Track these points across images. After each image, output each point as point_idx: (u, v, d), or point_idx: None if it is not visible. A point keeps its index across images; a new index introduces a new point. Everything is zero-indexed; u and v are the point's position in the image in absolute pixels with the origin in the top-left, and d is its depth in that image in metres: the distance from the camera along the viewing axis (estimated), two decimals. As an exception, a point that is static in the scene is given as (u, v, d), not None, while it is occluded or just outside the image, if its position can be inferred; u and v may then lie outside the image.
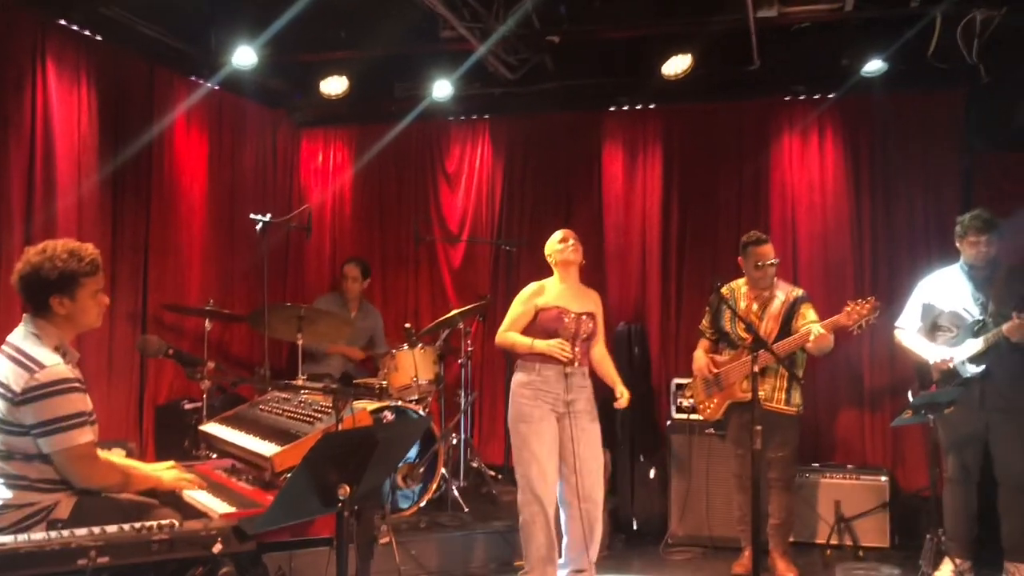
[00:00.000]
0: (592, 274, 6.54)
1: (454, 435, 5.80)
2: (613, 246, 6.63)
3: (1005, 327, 4.51)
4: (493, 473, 6.13)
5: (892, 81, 5.84)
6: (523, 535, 4.35)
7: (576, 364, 4.39)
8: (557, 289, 4.51)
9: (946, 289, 4.86)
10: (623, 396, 4.55)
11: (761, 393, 4.78)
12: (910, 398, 4.77)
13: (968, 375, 4.65)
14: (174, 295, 5.96)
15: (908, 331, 4.96)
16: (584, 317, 4.46)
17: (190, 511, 3.02)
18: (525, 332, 4.44)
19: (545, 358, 4.35)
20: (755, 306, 5.01)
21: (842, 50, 5.78)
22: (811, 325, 4.76)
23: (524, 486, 4.32)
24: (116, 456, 3.46)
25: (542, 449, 4.31)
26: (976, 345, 4.65)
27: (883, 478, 5.43)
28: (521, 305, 4.48)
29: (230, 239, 6.56)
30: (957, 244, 4.84)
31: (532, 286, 4.53)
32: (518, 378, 4.42)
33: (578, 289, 4.58)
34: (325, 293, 6.84)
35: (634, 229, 6.61)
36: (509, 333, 4.45)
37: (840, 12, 5.19)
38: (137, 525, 2.67)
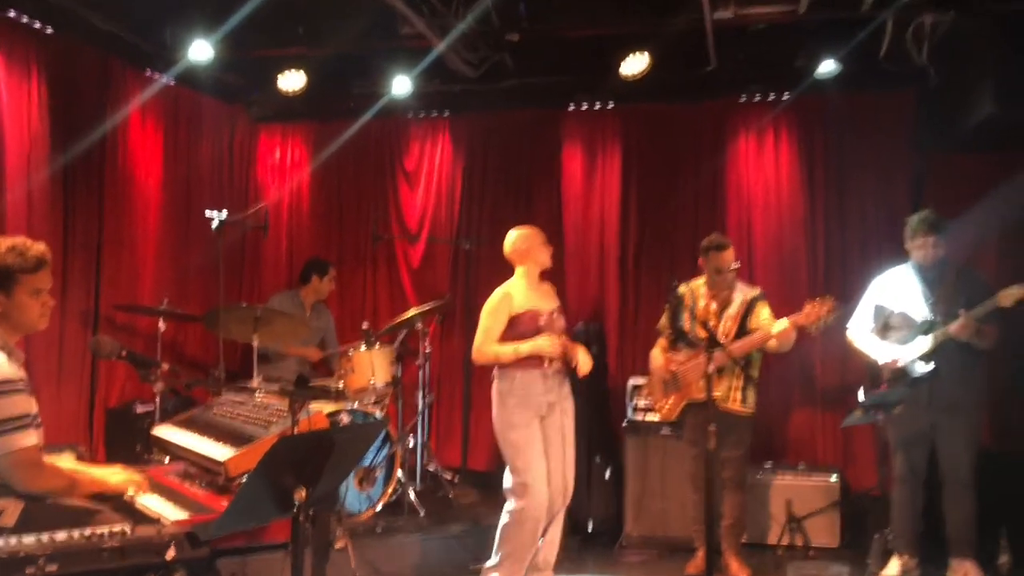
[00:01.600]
0: (551, 273, 6.55)
1: (411, 437, 5.78)
2: (572, 245, 6.67)
3: (951, 327, 4.62)
4: (450, 476, 6.13)
5: (845, 82, 5.94)
6: (507, 532, 4.27)
7: (556, 362, 4.37)
8: (524, 291, 4.45)
9: (897, 289, 4.95)
10: (584, 363, 4.46)
11: (718, 393, 4.84)
12: (860, 398, 4.87)
13: (917, 374, 4.74)
14: (127, 294, 5.87)
15: (860, 331, 5.05)
16: (555, 314, 4.46)
17: (142, 517, 2.98)
18: (500, 341, 4.37)
19: (524, 364, 4.30)
20: (714, 306, 5.05)
21: (796, 52, 5.86)
22: (775, 322, 4.78)
23: (521, 491, 4.24)
24: (65, 460, 3.40)
25: (535, 453, 4.28)
26: (925, 343, 4.75)
27: (833, 478, 5.50)
28: (494, 316, 4.36)
29: (185, 236, 6.48)
30: (906, 245, 4.94)
31: (499, 294, 4.43)
32: (501, 387, 4.35)
33: (540, 287, 4.57)
34: (280, 291, 6.76)
35: (593, 228, 6.65)
36: (490, 347, 4.33)
37: (794, 14, 5.25)
38: (87, 532, 2.63)
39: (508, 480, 4.33)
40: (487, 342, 4.34)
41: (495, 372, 4.40)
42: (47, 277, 3.03)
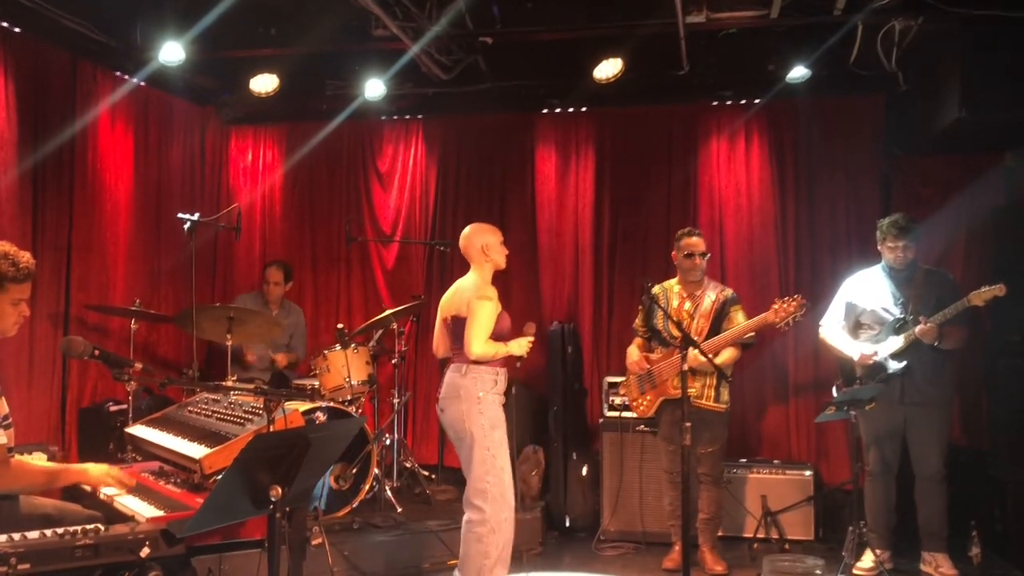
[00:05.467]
0: (525, 274, 6.63)
1: (387, 435, 5.78)
2: (546, 246, 6.69)
3: (916, 330, 4.71)
4: (426, 473, 6.12)
5: (815, 87, 6.01)
6: (482, 544, 4.10)
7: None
8: (493, 289, 4.33)
9: (868, 288, 5.03)
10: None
11: (692, 391, 4.89)
12: (834, 394, 4.94)
13: (890, 371, 4.82)
14: (98, 295, 5.81)
15: (832, 328, 5.11)
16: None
17: (116, 515, 2.95)
18: None
19: (503, 362, 4.25)
20: (688, 304, 5.11)
21: (768, 56, 5.91)
22: (735, 325, 4.86)
23: (498, 495, 4.11)
24: (37, 459, 3.37)
25: (508, 454, 4.21)
26: (897, 342, 4.83)
27: (808, 472, 5.58)
28: (492, 313, 4.17)
29: (156, 238, 6.43)
30: (878, 247, 5.02)
31: (487, 288, 4.26)
32: (483, 383, 4.17)
33: None
34: (246, 292, 6.70)
35: (567, 229, 6.67)
36: (491, 343, 4.14)
37: (766, 19, 5.30)
38: (60, 530, 2.61)
39: (480, 486, 4.14)
40: (488, 338, 4.15)
41: (468, 367, 4.20)
42: (29, 288, 3.03)
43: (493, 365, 4.22)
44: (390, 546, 4.94)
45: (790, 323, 4.80)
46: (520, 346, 4.25)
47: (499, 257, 4.37)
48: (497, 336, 4.22)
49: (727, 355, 4.92)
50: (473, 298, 4.21)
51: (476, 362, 4.18)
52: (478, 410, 4.16)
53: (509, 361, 4.31)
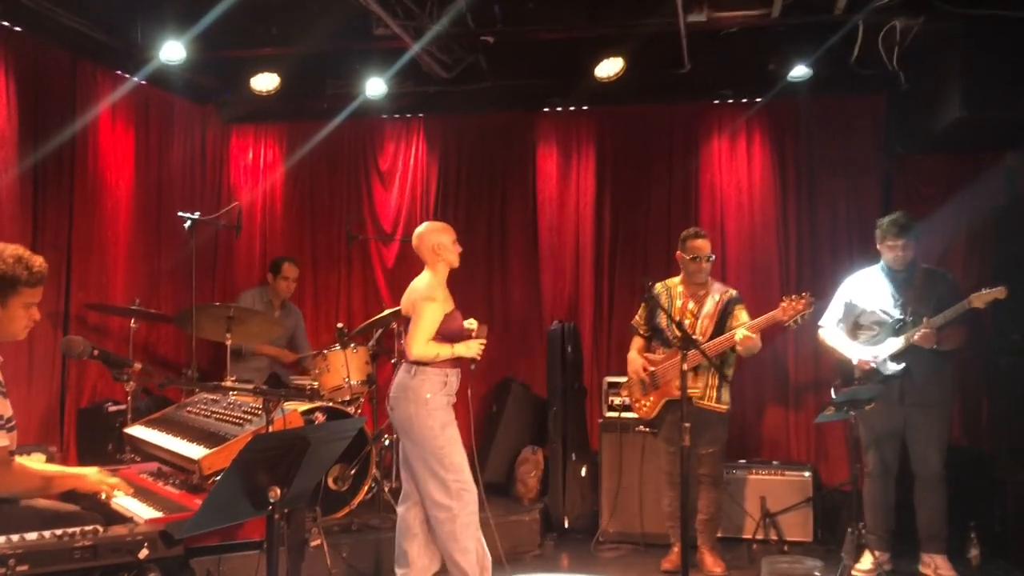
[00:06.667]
0: (526, 273, 6.63)
1: (386, 436, 5.77)
2: (547, 245, 6.69)
3: (915, 336, 4.69)
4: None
5: (817, 86, 6.01)
6: (458, 542, 4.12)
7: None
8: (445, 290, 4.31)
9: (867, 289, 5.02)
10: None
11: (696, 391, 4.89)
12: (833, 395, 4.93)
13: (889, 373, 4.81)
14: (98, 294, 5.81)
15: (831, 329, 5.10)
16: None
17: (115, 517, 2.95)
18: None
19: (454, 363, 4.23)
20: (691, 304, 5.09)
21: (769, 55, 5.91)
22: (739, 327, 4.85)
23: (459, 491, 4.14)
24: (35, 461, 3.37)
25: (462, 449, 4.22)
26: (897, 344, 4.81)
27: (807, 474, 5.57)
28: (436, 312, 4.16)
29: (157, 237, 6.43)
30: (878, 246, 5.01)
31: (437, 289, 4.24)
32: (431, 384, 4.15)
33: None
34: (251, 288, 6.70)
35: (568, 228, 6.67)
36: (432, 344, 4.14)
37: (767, 18, 5.29)
38: (59, 532, 2.60)
39: (440, 484, 4.14)
40: (431, 339, 4.15)
41: (416, 368, 4.18)
42: (41, 292, 3.03)
43: (442, 366, 4.19)
44: (389, 547, 4.93)
45: (798, 321, 4.78)
46: (469, 348, 4.22)
47: (452, 256, 4.35)
48: (445, 337, 4.20)
49: (743, 334, 4.79)
50: (418, 299, 4.22)
51: (423, 363, 4.16)
52: (426, 412, 4.15)
53: (463, 362, 4.29)
